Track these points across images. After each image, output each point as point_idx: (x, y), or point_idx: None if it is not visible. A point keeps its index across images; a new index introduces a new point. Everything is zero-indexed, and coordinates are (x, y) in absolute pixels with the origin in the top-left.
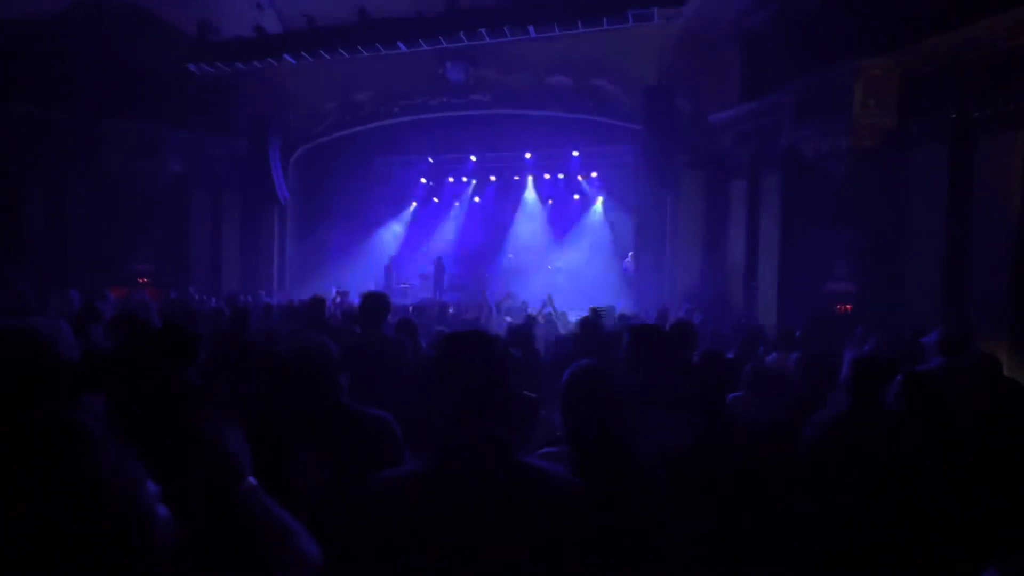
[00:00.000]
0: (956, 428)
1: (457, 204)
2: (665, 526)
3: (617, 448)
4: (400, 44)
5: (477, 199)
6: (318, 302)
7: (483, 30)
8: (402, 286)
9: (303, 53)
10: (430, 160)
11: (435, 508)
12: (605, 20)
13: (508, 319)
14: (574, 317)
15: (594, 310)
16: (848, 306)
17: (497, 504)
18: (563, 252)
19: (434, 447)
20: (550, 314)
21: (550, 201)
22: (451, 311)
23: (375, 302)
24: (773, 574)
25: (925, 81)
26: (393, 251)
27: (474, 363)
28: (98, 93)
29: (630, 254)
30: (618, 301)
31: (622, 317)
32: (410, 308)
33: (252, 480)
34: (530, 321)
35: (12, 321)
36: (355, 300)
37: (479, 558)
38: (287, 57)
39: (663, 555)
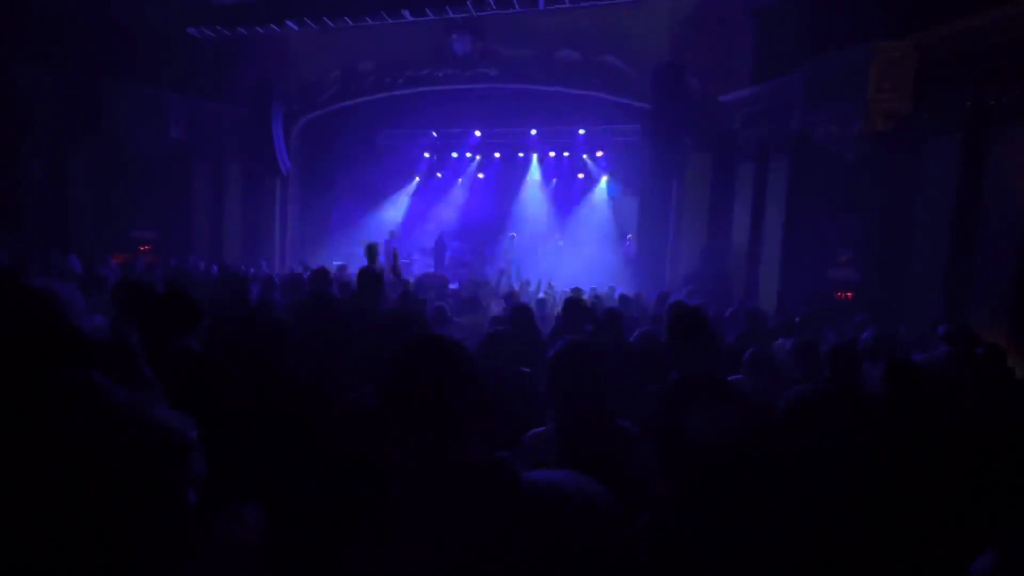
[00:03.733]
0: (943, 416)
1: (460, 180)
2: (652, 506)
3: (601, 427)
4: (405, 13)
5: (481, 175)
6: (322, 273)
7: (490, 0)
8: (403, 261)
9: (306, 19)
10: (434, 134)
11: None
12: None
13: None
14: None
15: (575, 291)
16: (849, 293)
17: (499, 545)
18: (566, 231)
19: (405, 481)
20: (542, 295)
21: (554, 179)
22: (452, 287)
23: (372, 277)
24: (757, 546)
25: (942, 66)
26: (395, 226)
27: (435, 375)
28: (98, 55)
29: (629, 235)
30: (619, 282)
31: (623, 298)
32: (410, 283)
33: None
34: (515, 296)
35: (36, 281)
36: (353, 274)
37: None
38: (289, 23)
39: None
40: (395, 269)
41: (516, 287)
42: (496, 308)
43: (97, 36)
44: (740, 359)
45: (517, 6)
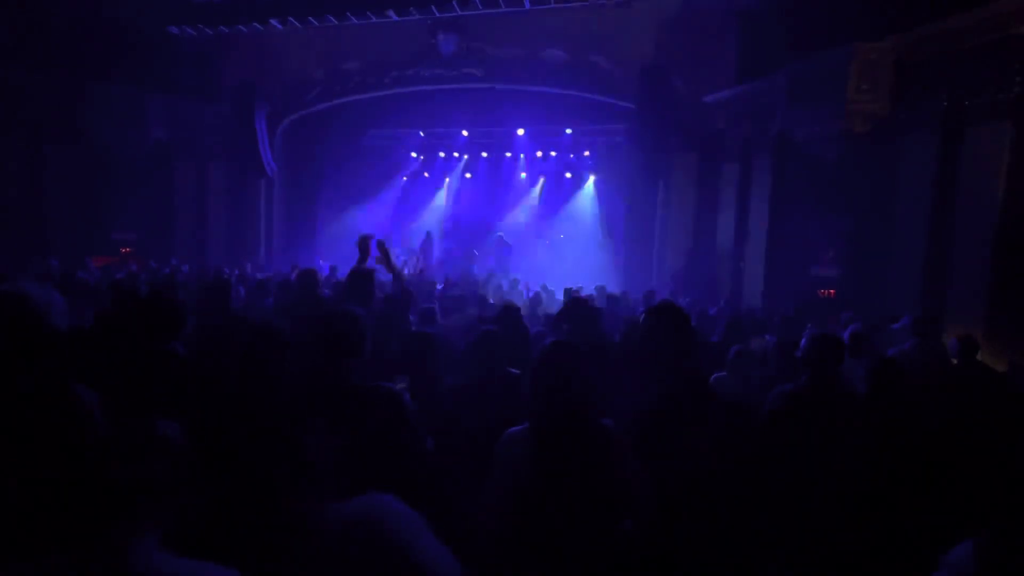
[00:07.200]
0: (922, 410)
1: (447, 180)
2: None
3: (579, 426)
4: (391, 12)
5: (468, 175)
6: (309, 274)
7: (476, 0)
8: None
9: (290, 18)
10: (421, 134)
11: None
12: None
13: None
14: (560, 296)
15: (568, 291)
16: (831, 291)
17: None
18: (553, 230)
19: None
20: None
21: (542, 179)
22: (439, 287)
23: (361, 278)
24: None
25: (918, 68)
26: (382, 225)
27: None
28: (77, 55)
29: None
30: (606, 281)
31: (610, 297)
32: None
33: None
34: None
35: (4, 286)
36: (340, 275)
37: None
38: (273, 22)
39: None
40: (389, 265)
41: (504, 287)
42: (479, 309)
43: (76, 35)
44: (724, 356)
45: (503, 5)
